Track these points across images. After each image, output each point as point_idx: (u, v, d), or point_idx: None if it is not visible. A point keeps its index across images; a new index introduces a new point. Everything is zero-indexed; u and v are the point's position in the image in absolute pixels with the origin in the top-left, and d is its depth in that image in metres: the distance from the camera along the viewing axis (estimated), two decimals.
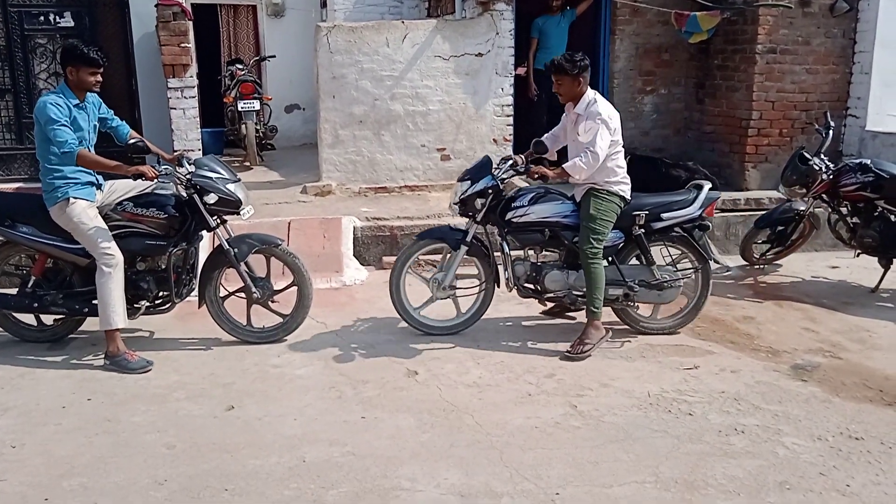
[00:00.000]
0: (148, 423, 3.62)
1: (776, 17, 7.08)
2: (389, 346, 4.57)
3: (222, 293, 4.63)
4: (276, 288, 4.66)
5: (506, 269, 4.64)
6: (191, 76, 6.91)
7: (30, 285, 4.49)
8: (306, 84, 9.65)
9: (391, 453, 3.33)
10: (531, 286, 4.65)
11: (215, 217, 4.46)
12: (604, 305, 4.49)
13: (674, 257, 4.78)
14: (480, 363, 4.32)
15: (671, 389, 3.96)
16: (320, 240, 5.97)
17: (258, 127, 8.83)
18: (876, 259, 5.58)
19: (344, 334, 4.76)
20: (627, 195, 4.51)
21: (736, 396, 3.88)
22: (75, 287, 4.48)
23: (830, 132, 5.78)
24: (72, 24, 7.31)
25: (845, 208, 5.70)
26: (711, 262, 4.71)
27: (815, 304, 5.37)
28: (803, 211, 5.87)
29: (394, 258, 4.79)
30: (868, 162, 5.51)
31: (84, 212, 4.20)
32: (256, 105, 8.56)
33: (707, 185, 4.69)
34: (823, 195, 5.72)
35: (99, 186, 4.40)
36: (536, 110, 7.88)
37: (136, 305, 4.44)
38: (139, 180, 4.21)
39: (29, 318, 4.65)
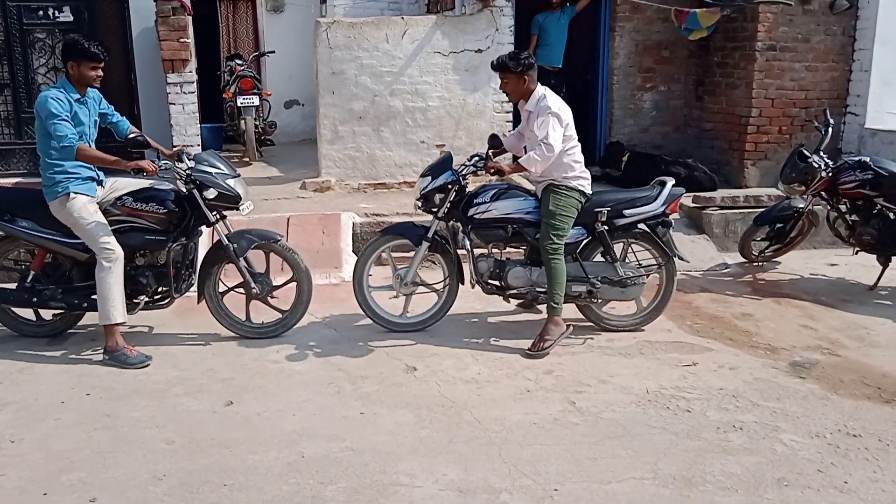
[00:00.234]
0: (147, 418, 3.62)
1: (776, 14, 7.09)
2: (388, 342, 4.57)
3: (221, 289, 4.63)
4: (275, 284, 4.66)
5: (469, 266, 4.63)
6: (190, 71, 6.89)
7: (29, 280, 4.49)
8: (306, 80, 9.64)
9: (390, 449, 3.33)
10: (495, 283, 4.65)
11: (215, 212, 4.46)
12: (567, 302, 4.50)
13: (637, 254, 4.78)
14: (479, 359, 4.33)
15: (670, 386, 3.96)
16: (319, 236, 5.97)
17: (257, 122, 8.82)
18: (874, 256, 5.59)
19: (343, 330, 4.76)
20: (587, 189, 4.50)
21: (734, 393, 3.88)
22: (74, 282, 4.49)
23: (830, 130, 5.78)
24: (71, 18, 7.29)
25: (844, 206, 5.71)
26: (676, 259, 4.70)
27: (813, 301, 5.38)
28: (802, 208, 5.88)
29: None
30: (867, 160, 5.51)
31: (84, 207, 4.20)
32: (256, 101, 8.54)
33: (670, 182, 4.67)
34: (822, 193, 5.72)
35: (100, 182, 4.40)
36: None
37: (135, 300, 4.44)
38: (139, 175, 4.20)
39: (28, 313, 4.65)
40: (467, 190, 4.63)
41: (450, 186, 4.52)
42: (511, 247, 4.81)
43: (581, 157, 4.53)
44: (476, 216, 4.57)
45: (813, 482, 3.07)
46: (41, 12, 7.24)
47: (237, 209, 4.48)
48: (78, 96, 4.21)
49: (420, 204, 4.65)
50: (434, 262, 4.91)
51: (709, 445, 3.36)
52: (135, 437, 3.43)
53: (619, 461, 3.23)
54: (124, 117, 4.66)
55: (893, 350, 4.48)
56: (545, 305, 4.53)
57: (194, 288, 4.62)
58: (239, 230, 4.62)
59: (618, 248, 4.71)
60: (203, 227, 4.64)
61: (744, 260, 6.23)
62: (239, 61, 9.26)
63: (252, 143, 8.61)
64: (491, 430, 3.49)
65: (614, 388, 3.95)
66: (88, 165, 4.26)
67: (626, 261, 4.74)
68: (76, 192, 4.19)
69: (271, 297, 4.66)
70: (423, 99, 7.28)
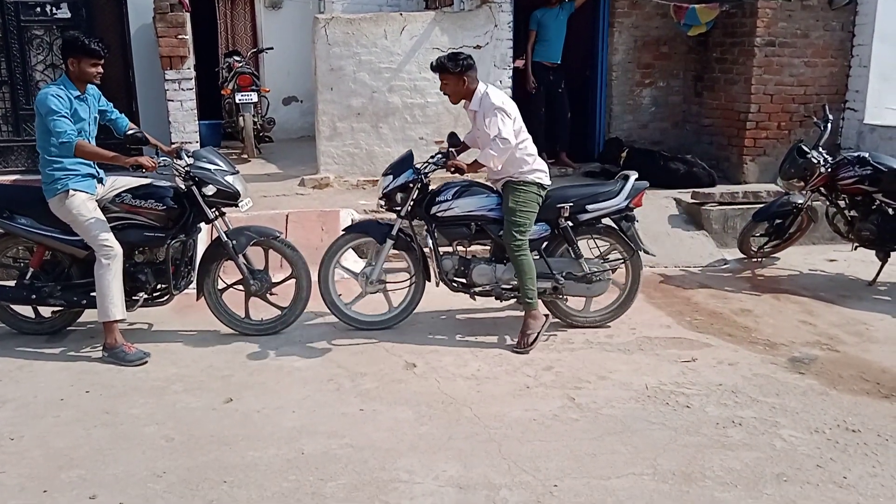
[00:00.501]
0: (146, 415, 3.62)
1: (775, 9, 7.09)
2: (388, 339, 4.57)
3: (220, 286, 4.63)
4: (274, 280, 4.66)
5: (433, 264, 4.62)
6: (188, 68, 6.88)
7: (27, 277, 4.48)
8: (304, 76, 9.63)
9: (389, 445, 3.33)
10: (460, 280, 4.64)
11: (214, 209, 4.46)
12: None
13: (601, 249, 4.77)
14: (478, 356, 4.33)
15: (669, 382, 3.97)
16: (318, 232, 5.97)
17: (256, 119, 8.81)
18: (873, 252, 5.59)
19: (342, 326, 4.75)
20: (544, 181, 4.49)
21: (733, 389, 3.89)
22: (73, 279, 4.48)
23: (829, 125, 5.78)
24: (68, 15, 7.27)
25: (843, 201, 5.71)
26: (641, 253, 4.69)
27: (812, 297, 5.38)
28: (801, 204, 5.88)
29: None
30: (866, 155, 5.52)
31: (83, 204, 4.19)
32: (254, 97, 8.53)
33: (633, 176, 4.65)
34: (821, 188, 5.73)
35: (100, 180, 4.39)
36: (535, 103, 7.86)
37: (134, 297, 4.43)
38: (138, 172, 4.20)
39: (27, 311, 4.65)
40: (430, 188, 4.62)
41: (411, 185, 4.51)
42: (477, 244, 4.80)
43: (534, 150, 4.52)
44: (439, 214, 4.56)
45: (812, 477, 3.07)
46: (39, 9, 7.22)
47: (236, 206, 4.48)
48: (78, 93, 4.20)
49: (383, 203, 4.63)
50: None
51: (708, 441, 3.36)
52: (134, 435, 3.43)
53: (618, 457, 3.23)
54: (123, 114, 4.66)
55: (892, 345, 4.49)
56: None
57: (193, 285, 4.61)
58: (238, 227, 4.62)
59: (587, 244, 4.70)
60: (202, 224, 4.64)
61: (743, 256, 6.24)
62: (237, 58, 9.25)
63: (251, 139, 8.60)
64: (490, 427, 3.49)
65: (613, 385, 3.95)
66: (88, 162, 4.26)
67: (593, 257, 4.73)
68: (75, 189, 4.18)
69: (270, 294, 4.66)
70: (422, 95, 7.26)
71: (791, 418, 3.57)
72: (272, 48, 9.82)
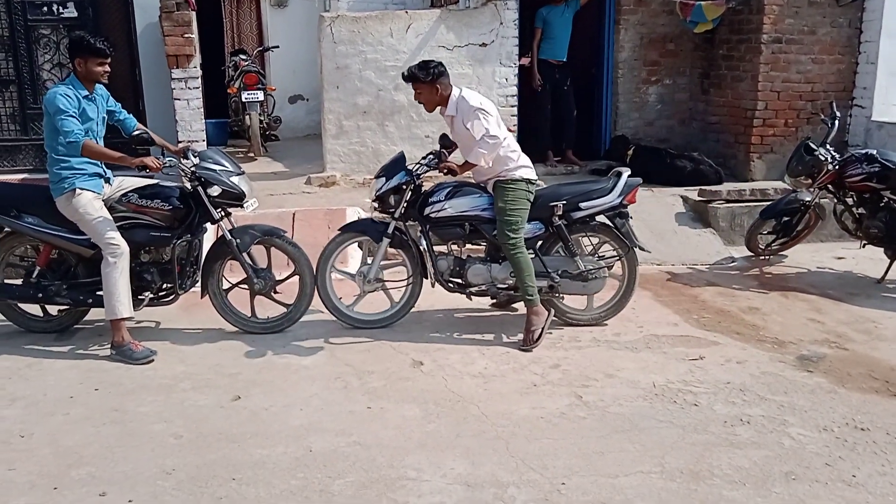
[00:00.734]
0: (155, 413, 3.64)
1: (782, 6, 7.06)
2: (394, 337, 4.57)
3: (225, 286, 4.63)
4: (278, 278, 4.66)
5: (429, 265, 4.62)
6: (194, 67, 6.89)
7: (34, 276, 4.50)
8: (310, 75, 9.63)
9: (397, 443, 3.34)
10: (456, 280, 4.64)
11: (219, 209, 4.46)
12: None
13: (595, 246, 4.76)
14: (485, 354, 4.33)
15: (677, 380, 3.96)
16: (325, 231, 5.96)
17: (262, 118, 8.81)
18: (882, 250, 5.57)
19: (346, 325, 4.75)
20: (531, 176, 4.48)
21: (741, 387, 3.88)
22: (80, 278, 4.49)
23: (836, 122, 5.76)
24: (75, 14, 7.29)
25: (851, 199, 5.69)
26: (636, 250, 4.68)
27: (820, 294, 5.37)
28: (809, 201, 5.86)
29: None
30: (874, 152, 5.49)
31: (90, 203, 4.21)
32: (260, 96, 8.53)
33: (626, 172, 4.64)
34: (829, 186, 5.71)
35: (107, 179, 4.41)
36: (541, 101, 7.85)
37: (140, 296, 4.45)
38: (144, 172, 4.21)
39: (34, 309, 4.67)
40: (423, 189, 4.62)
41: (404, 187, 4.51)
42: (472, 244, 4.79)
43: (517, 146, 4.52)
44: (432, 215, 4.56)
45: (821, 476, 3.06)
46: (46, 8, 7.24)
47: (242, 207, 4.49)
48: (86, 93, 4.22)
49: (376, 206, 4.64)
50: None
51: (716, 439, 3.36)
52: (143, 432, 3.44)
53: (626, 455, 3.23)
54: (131, 114, 4.67)
55: None
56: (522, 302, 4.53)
57: (199, 284, 4.62)
58: (242, 226, 4.62)
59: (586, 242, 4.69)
60: (207, 224, 4.65)
61: (750, 253, 6.22)
62: (243, 56, 9.25)
63: (257, 138, 8.60)
64: (498, 425, 3.49)
65: (621, 383, 3.94)
66: (95, 162, 4.28)
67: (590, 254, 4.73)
68: (82, 189, 4.20)
69: (275, 292, 4.67)
70: None
71: (799, 416, 3.56)
72: (278, 46, 9.83)
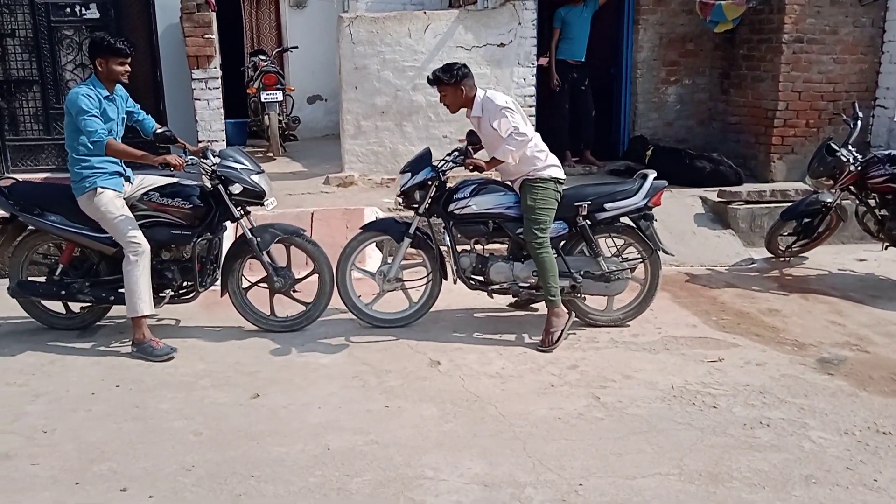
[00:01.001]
0: (175, 410, 3.67)
1: (803, 6, 6.99)
2: (412, 336, 4.58)
3: (245, 284, 4.67)
4: (297, 277, 4.69)
5: (451, 262, 4.62)
6: (214, 67, 6.95)
7: (57, 273, 4.56)
8: (329, 75, 9.66)
9: (414, 443, 3.35)
10: (477, 278, 4.64)
11: (239, 208, 4.50)
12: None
13: (619, 248, 4.74)
14: (503, 354, 4.33)
15: (695, 382, 3.94)
16: (343, 230, 5.99)
17: (281, 118, 8.87)
18: None
19: (365, 324, 4.77)
20: (559, 175, 4.48)
21: (761, 389, 3.85)
22: (102, 275, 4.55)
23: (858, 123, 5.70)
24: (97, 15, 7.38)
25: (873, 200, 5.62)
26: (660, 253, 4.65)
27: (841, 297, 5.31)
28: (830, 203, 5.80)
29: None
30: None
31: (111, 201, 4.26)
32: (279, 96, 8.58)
33: (652, 174, 4.62)
34: (851, 187, 5.64)
35: (128, 178, 4.46)
36: (559, 101, 7.83)
37: (160, 294, 4.49)
38: (166, 170, 4.25)
39: (57, 306, 4.73)
40: (448, 185, 4.63)
41: (429, 183, 4.52)
42: (495, 242, 4.80)
43: (544, 146, 4.52)
44: (456, 212, 4.57)
45: (842, 480, 3.03)
46: (68, 9, 7.34)
47: (262, 205, 4.53)
48: (107, 93, 4.27)
49: (401, 200, 4.65)
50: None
51: (735, 442, 3.33)
52: (164, 429, 3.48)
53: (644, 457, 3.21)
54: (150, 115, 4.72)
55: None
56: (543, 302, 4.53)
57: (219, 282, 4.66)
58: (261, 224, 4.66)
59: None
60: (227, 223, 4.68)
61: (770, 255, 6.16)
62: (262, 57, 9.31)
63: (276, 138, 8.65)
64: (515, 425, 3.49)
65: (639, 384, 3.93)
66: (115, 161, 4.33)
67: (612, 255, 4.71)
68: (103, 187, 4.25)
69: (294, 291, 4.70)
70: None
71: (820, 420, 3.53)
72: (297, 47, 9.88)
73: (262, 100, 8.52)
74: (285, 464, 3.17)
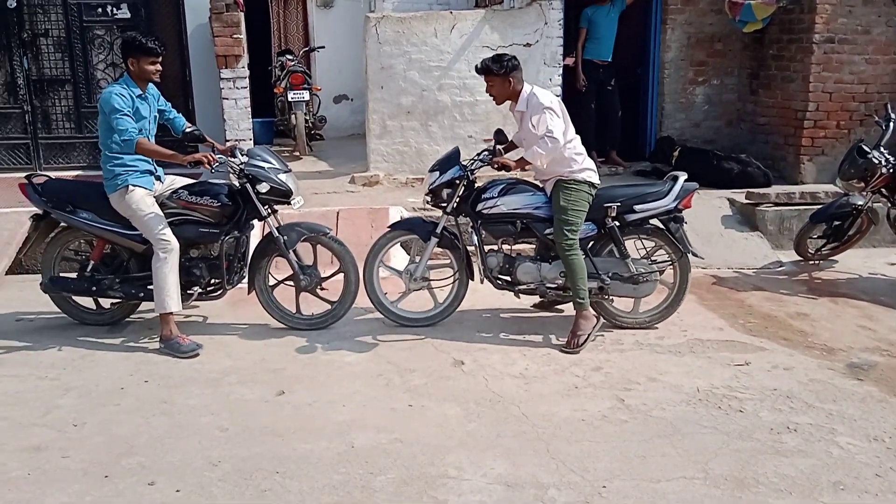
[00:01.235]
0: (202, 405, 3.72)
1: (834, 5, 6.89)
2: (436, 336, 4.60)
3: (271, 282, 4.71)
4: (323, 276, 4.72)
5: (478, 261, 4.61)
6: (243, 67, 7.02)
7: (88, 270, 4.64)
8: (355, 75, 9.72)
9: (438, 441, 3.36)
10: (504, 278, 4.63)
11: (266, 206, 4.54)
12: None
13: (649, 250, 4.70)
14: (527, 355, 4.32)
15: (721, 385, 3.90)
16: (368, 229, 6.03)
17: (307, 117, 8.92)
18: None
19: (390, 322, 4.79)
20: (594, 180, 4.46)
21: (788, 394, 3.80)
22: (131, 272, 4.62)
23: (891, 124, 5.61)
24: (128, 15, 7.50)
25: None
26: (689, 256, 4.60)
27: (872, 301, 5.22)
28: (861, 205, 5.71)
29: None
30: None
31: (142, 199, 4.32)
32: (306, 95, 8.64)
33: (682, 177, 4.58)
34: (883, 189, 5.56)
35: (158, 177, 4.52)
36: (585, 101, 7.80)
37: (188, 291, 4.55)
38: (195, 168, 4.31)
39: (88, 302, 4.81)
40: (476, 185, 4.63)
41: (457, 182, 4.53)
42: (522, 242, 4.78)
43: (582, 149, 4.50)
44: (484, 211, 4.56)
45: (871, 486, 2.99)
46: (100, 9, 7.47)
47: (288, 203, 4.57)
48: (139, 92, 4.34)
49: (429, 199, 4.67)
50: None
51: (762, 447, 3.30)
52: (191, 424, 3.53)
53: (668, 460, 3.20)
54: (180, 114, 4.79)
55: None
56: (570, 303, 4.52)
57: (246, 279, 4.71)
58: (288, 223, 4.70)
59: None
60: (255, 221, 4.73)
61: (799, 258, 6.09)
62: (290, 56, 9.37)
63: (302, 137, 8.72)
64: (539, 426, 3.49)
65: (664, 387, 3.90)
66: (147, 159, 4.39)
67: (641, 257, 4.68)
68: (135, 185, 4.32)
69: (320, 289, 4.73)
70: (472, 93, 7.27)
71: (849, 425, 3.48)
72: (324, 47, 9.94)
73: (289, 99, 8.59)
74: (310, 460, 3.20)
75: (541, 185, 4.62)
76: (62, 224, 4.64)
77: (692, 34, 7.85)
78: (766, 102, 7.69)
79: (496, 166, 4.40)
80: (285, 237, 4.58)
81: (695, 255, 4.64)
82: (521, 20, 7.23)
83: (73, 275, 4.72)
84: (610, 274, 4.54)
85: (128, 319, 4.85)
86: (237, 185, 4.52)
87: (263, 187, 4.46)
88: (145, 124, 4.38)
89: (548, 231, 4.46)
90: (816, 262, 6.07)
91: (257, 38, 9.86)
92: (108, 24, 7.52)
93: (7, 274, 5.68)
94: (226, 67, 6.95)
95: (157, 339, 4.43)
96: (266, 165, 4.50)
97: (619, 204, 4.48)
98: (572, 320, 4.46)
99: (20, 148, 7.63)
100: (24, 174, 4.74)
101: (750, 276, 5.85)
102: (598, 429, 3.47)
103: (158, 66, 4.36)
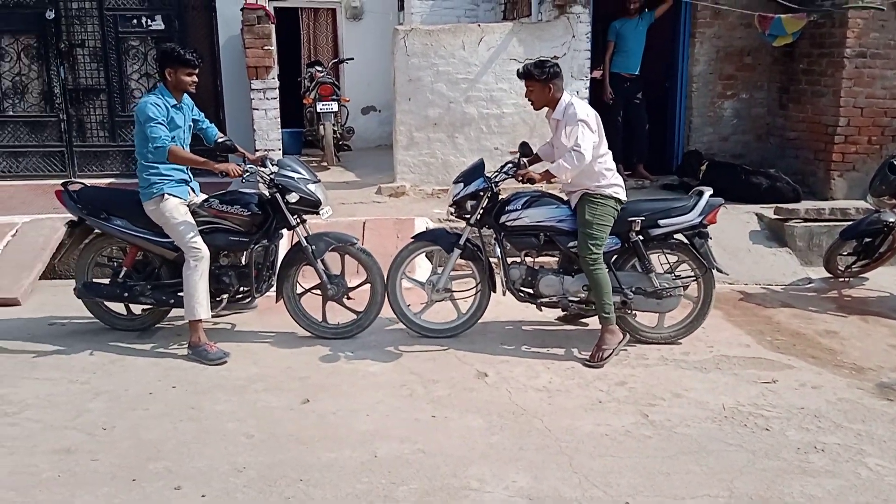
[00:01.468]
0: (229, 412, 3.77)
1: (866, 19, 6.82)
2: (459, 347, 4.61)
3: (299, 290, 4.77)
4: (350, 285, 4.77)
5: (501, 273, 4.61)
6: (273, 78, 7.13)
7: (121, 276, 4.74)
8: (383, 86, 9.81)
9: (461, 453, 3.37)
10: (527, 290, 4.62)
11: (295, 216, 4.60)
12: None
13: (672, 265, 4.67)
14: (550, 368, 4.32)
15: (747, 403, 3.86)
16: (394, 240, 6.07)
17: (336, 128, 9.02)
18: None
19: (414, 333, 4.81)
20: (622, 196, 4.44)
21: (816, 413, 3.75)
22: (163, 279, 4.71)
23: None
24: (162, 27, 7.67)
25: None
26: (714, 272, 4.56)
27: None
28: (892, 222, 5.62)
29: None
30: None
31: (176, 208, 4.41)
32: (334, 107, 8.74)
33: (708, 192, 4.54)
34: None
35: (193, 189, 4.61)
36: (612, 114, 7.78)
37: (218, 299, 4.62)
38: (225, 177, 4.39)
39: (119, 308, 4.90)
40: (500, 197, 4.65)
41: (482, 193, 4.55)
42: (545, 255, 4.77)
43: (613, 165, 4.49)
44: (508, 223, 4.57)
45: None
46: (135, 21, 7.64)
47: (317, 213, 4.62)
48: (175, 102, 4.43)
49: (453, 210, 4.69)
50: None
51: (788, 466, 3.26)
52: (217, 430, 3.58)
53: (693, 477, 3.17)
54: (213, 124, 4.88)
55: None
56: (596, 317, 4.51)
57: (274, 288, 4.77)
58: (316, 233, 4.75)
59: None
60: (283, 230, 4.80)
61: (829, 275, 6.01)
62: (319, 68, 9.50)
63: (330, 148, 8.81)
64: (562, 440, 3.48)
65: (689, 403, 3.87)
66: (181, 169, 4.48)
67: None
68: (169, 194, 4.41)
69: (347, 299, 4.78)
70: (498, 106, 7.30)
71: (878, 446, 3.43)
72: (352, 59, 10.05)
73: (318, 110, 8.69)
74: (333, 469, 3.23)
75: (566, 198, 4.63)
76: (96, 231, 4.74)
77: (721, 48, 7.81)
78: (795, 117, 7.62)
79: (521, 179, 4.42)
80: (313, 247, 4.63)
81: (720, 270, 4.60)
82: (548, 33, 7.26)
83: (106, 281, 4.81)
84: (633, 288, 4.52)
85: (157, 326, 4.93)
86: (267, 194, 4.59)
87: (293, 197, 4.53)
88: (180, 133, 4.48)
89: (571, 244, 4.47)
90: (846, 279, 5.99)
91: (287, 49, 10.00)
92: (142, 35, 7.69)
93: (41, 279, 5.80)
94: (256, 78, 7.06)
95: (186, 346, 4.50)
96: (296, 176, 4.57)
97: (643, 218, 4.47)
98: (596, 334, 4.45)
99: (55, 155, 7.82)
100: (59, 181, 4.86)
101: (778, 293, 5.79)
102: (622, 444, 3.46)
103: (195, 78, 4.45)
